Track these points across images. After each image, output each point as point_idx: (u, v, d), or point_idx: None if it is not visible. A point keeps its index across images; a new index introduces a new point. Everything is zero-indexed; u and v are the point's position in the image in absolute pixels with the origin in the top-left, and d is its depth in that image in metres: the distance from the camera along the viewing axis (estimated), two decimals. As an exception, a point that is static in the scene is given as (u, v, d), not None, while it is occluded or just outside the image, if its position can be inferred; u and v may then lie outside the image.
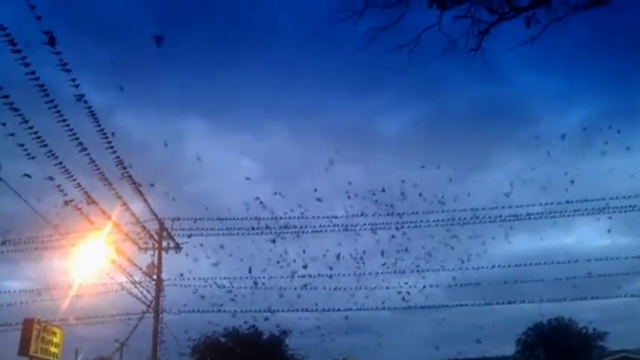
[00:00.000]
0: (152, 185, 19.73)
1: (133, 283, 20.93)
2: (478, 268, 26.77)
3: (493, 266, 26.84)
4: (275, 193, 25.80)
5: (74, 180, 13.51)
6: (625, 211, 23.35)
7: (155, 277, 22.33)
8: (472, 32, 6.96)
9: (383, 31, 6.97)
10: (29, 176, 12.14)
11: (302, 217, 23.60)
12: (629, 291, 27.33)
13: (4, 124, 10.47)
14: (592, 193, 24.00)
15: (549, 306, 29.50)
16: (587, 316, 30.71)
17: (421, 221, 23.85)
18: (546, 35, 7.13)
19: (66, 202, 13.91)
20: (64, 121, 11.24)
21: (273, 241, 24.16)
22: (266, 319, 29.06)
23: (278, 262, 25.36)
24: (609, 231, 27.07)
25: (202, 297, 24.63)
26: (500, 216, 23.79)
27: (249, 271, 24.85)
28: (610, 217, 24.09)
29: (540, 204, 24.16)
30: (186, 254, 23.75)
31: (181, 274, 24.34)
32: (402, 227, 23.85)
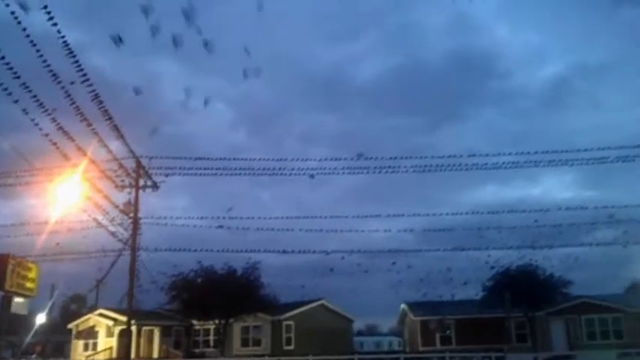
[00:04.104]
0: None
1: (110, 220, 20.95)
2: (450, 214, 27.48)
3: (466, 213, 27.61)
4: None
5: (49, 114, 13.23)
6: (592, 163, 23.59)
7: (132, 215, 22.39)
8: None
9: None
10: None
11: (277, 160, 23.53)
12: (592, 240, 28.42)
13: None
14: (559, 145, 24.36)
15: (516, 253, 30.65)
16: (551, 263, 31.93)
17: (397, 166, 23.97)
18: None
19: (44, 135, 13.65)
20: (38, 51, 10.87)
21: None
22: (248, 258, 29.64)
23: (253, 204, 25.59)
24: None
25: (182, 234, 24.87)
26: (476, 164, 24.06)
27: (225, 212, 25.12)
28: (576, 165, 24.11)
29: (510, 153, 24.42)
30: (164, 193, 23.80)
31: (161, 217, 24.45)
32: (375, 172, 23.93)
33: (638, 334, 34.39)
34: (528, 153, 23.93)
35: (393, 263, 29.28)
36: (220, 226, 25.11)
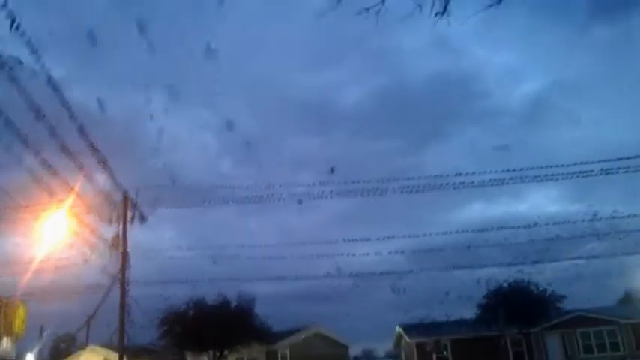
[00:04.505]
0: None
1: (99, 255, 20.66)
2: (439, 234, 27.49)
3: (456, 232, 27.59)
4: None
5: (33, 150, 13.12)
6: (577, 177, 23.75)
7: (121, 249, 22.13)
8: (438, -6, 6.96)
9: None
10: None
11: (264, 187, 23.43)
12: (583, 253, 28.64)
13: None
14: (542, 161, 24.55)
15: (508, 270, 30.71)
16: (544, 278, 32.02)
17: (385, 188, 23.97)
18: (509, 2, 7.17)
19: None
20: (20, 86, 10.86)
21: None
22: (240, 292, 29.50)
23: (243, 232, 25.55)
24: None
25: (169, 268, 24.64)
26: (463, 182, 24.13)
27: (214, 242, 24.95)
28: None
29: (495, 171, 24.39)
30: (152, 227, 23.58)
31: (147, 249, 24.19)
32: (363, 195, 23.87)
33: (634, 344, 34.39)
34: (514, 170, 24.09)
35: (392, 288, 29.14)
36: (214, 262, 24.92)
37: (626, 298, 42.88)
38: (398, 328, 41.46)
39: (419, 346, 37.06)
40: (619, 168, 23.43)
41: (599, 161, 23.52)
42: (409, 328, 38.96)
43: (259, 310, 31.44)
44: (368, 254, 28.51)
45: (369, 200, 24.37)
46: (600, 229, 26.23)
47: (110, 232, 22.10)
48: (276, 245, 26.61)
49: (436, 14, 7.39)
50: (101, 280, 22.70)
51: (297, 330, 38.25)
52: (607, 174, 23.61)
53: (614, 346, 35.01)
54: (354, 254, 27.91)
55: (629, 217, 25.94)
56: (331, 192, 23.57)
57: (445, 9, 7.37)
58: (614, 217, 26.15)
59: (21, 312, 27.07)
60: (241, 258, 25.48)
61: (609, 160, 23.47)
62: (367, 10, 7.26)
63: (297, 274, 27.08)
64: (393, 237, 28.16)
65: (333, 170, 23.27)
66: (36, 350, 37.53)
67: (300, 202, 23.62)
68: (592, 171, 23.66)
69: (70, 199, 16.39)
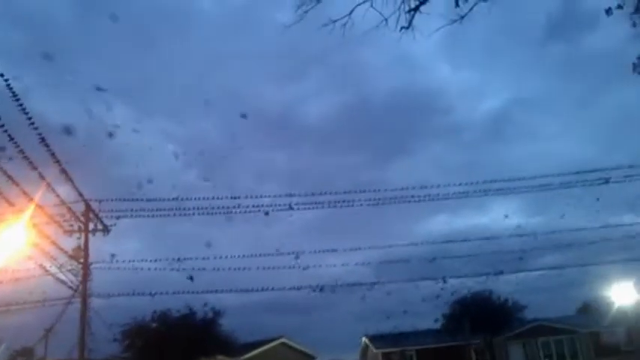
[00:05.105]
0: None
1: (59, 267, 20.10)
2: (405, 245, 27.73)
3: (421, 243, 27.84)
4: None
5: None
6: (537, 191, 24.33)
7: (82, 260, 21.59)
8: (403, 9, 7.13)
9: (315, 5, 7.00)
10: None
11: (230, 198, 23.24)
12: (542, 265, 29.36)
13: None
14: (503, 174, 24.95)
15: (471, 281, 31.13)
16: (506, 289, 32.60)
17: (351, 200, 24.10)
18: (470, 21, 7.38)
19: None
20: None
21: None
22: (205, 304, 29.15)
23: (208, 244, 25.21)
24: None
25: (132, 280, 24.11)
26: (428, 195, 24.45)
27: (179, 254, 24.57)
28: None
29: (459, 184, 24.68)
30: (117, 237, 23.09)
31: (112, 256, 23.63)
32: (330, 207, 23.94)
33: (593, 353, 35.28)
34: (477, 183, 24.53)
35: (359, 299, 29.10)
36: (184, 272, 24.48)
37: (585, 308, 44.04)
38: (364, 339, 41.54)
39: (385, 356, 37.21)
40: (577, 181, 24.21)
41: (559, 174, 24.24)
42: (375, 339, 39.08)
43: (226, 321, 31.04)
44: (335, 266, 28.48)
45: (335, 212, 24.43)
46: (560, 241, 26.91)
47: (72, 243, 21.58)
48: (243, 257, 26.27)
49: (402, 28, 7.55)
50: (62, 292, 22.08)
51: (264, 341, 37.91)
52: (565, 187, 24.35)
53: (574, 355, 35.88)
54: (320, 265, 27.85)
55: (587, 229, 26.70)
56: (297, 204, 23.60)
57: (410, 23, 7.54)
58: (572, 230, 26.86)
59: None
60: (207, 270, 25.12)
61: (568, 174, 24.22)
62: (334, 22, 7.36)
63: (264, 286, 26.81)
64: (359, 249, 28.21)
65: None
66: (-8, 365, 36.15)
67: (266, 213, 23.54)
68: (551, 184, 24.37)
69: (30, 210, 15.94)
